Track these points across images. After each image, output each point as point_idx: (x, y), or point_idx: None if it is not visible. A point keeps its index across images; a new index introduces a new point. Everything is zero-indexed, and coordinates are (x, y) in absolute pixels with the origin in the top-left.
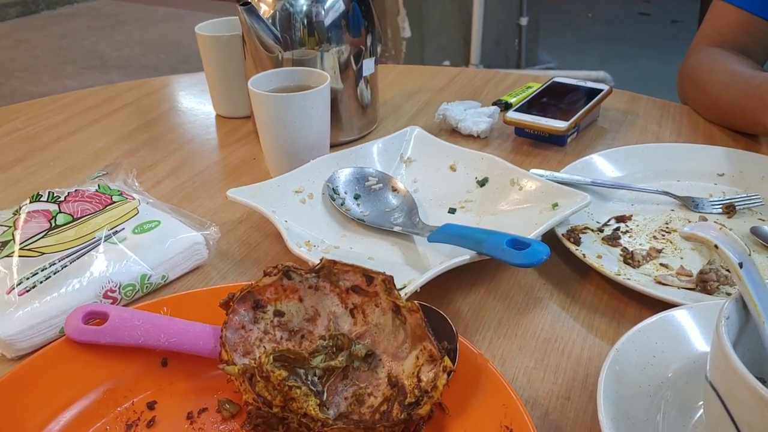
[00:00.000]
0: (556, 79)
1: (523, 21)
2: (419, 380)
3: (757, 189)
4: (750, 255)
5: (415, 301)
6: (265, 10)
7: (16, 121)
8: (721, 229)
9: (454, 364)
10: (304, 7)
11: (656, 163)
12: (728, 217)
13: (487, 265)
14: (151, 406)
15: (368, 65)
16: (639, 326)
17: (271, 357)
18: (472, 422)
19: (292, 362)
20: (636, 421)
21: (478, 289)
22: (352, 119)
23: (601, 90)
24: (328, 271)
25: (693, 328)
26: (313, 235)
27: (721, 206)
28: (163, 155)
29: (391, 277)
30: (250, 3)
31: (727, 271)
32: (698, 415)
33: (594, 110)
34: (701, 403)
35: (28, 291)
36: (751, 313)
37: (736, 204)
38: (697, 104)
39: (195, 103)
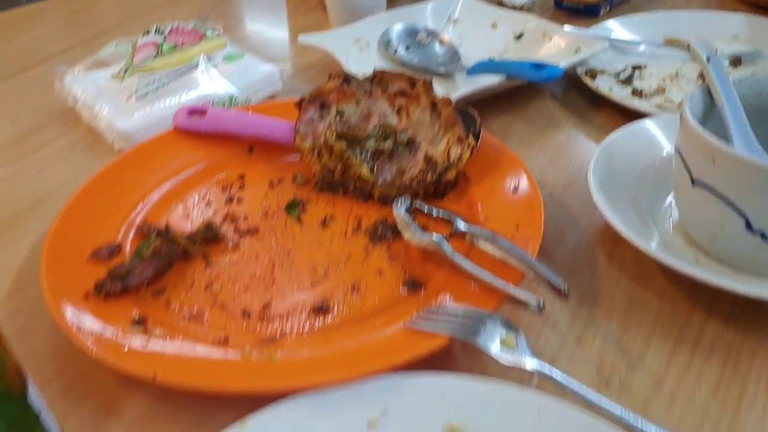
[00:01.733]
0: None
1: None
2: (449, 156)
3: (766, 46)
4: (716, 53)
5: (447, 96)
6: None
7: None
8: (693, 34)
9: (476, 143)
10: None
11: (672, 27)
12: (734, 68)
13: (516, 97)
14: (240, 177)
15: None
16: (624, 128)
17: (334, 134)
18: (487, 185)
19: (350, 141)
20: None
21: (506, 115)
22: None
23: None
24: (380, 79)
25: (665, 132)
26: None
27: (728, 57)
28: (240, 22)
29: (431, 81)
30: None
31: None
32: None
33: None
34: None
35: (143, 97)
36: (714, 99)
37: (742, 57)
38: None
39: None
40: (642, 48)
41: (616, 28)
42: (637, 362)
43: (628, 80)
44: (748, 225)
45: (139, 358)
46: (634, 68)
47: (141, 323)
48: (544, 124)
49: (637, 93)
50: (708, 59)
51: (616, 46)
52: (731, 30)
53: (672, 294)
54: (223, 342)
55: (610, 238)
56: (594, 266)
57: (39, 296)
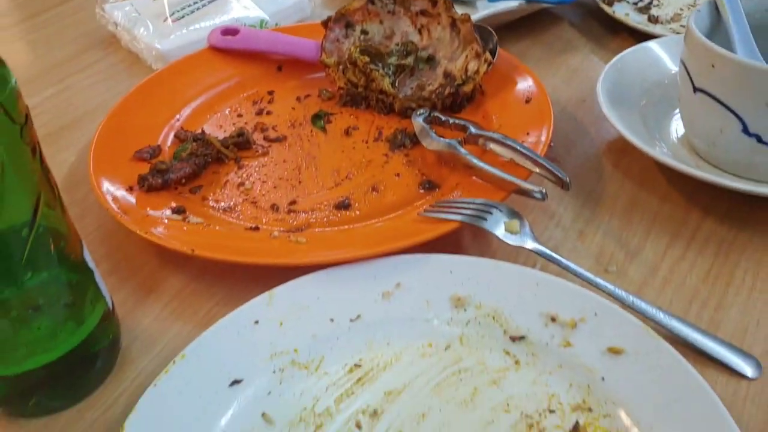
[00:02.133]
0: None
1: None
2: (466, 70)
3: None
4: None
5: (466, 13)
6: None
7: None
8: None
9: (493, 58)
10: None
11: None
12: None
13: (535, 24)
14: (270, 92)
15: None
16: (634, 48)
17: (358, 48)
18: (502, 98)
19: (373, 56)
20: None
21: (526, 40)
22: None
23: None
24: None
25: (673, 52)
26: None
27: None
28: None
29: (451, 0)
30: None
31: None
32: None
33: None
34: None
35: (179, 20)
36: (720, 13)
37: None
38: None
39: None
40: None
41: None
42: (634, 253)
43: (645, 8)
44: (745, 128)
45: (179, 236)
46: None
47: (180, 213)
48: (561, 48)
49: (653, 19)
50: None
51: None
52: None
53: (672, 196)
54: (254, 229)
55: (617, 148)
56: (600, 172)
57: (87, 193)
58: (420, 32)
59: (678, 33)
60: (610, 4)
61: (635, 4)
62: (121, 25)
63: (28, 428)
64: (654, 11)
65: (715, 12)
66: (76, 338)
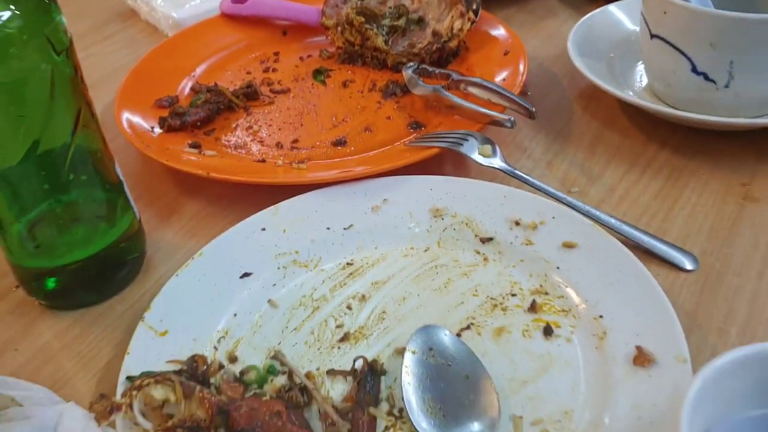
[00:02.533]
0: None
1: None
2: (452, 29)
3: None
4: None
5: None
6: None
7: None
8: None
9: (476, 18)
10: None
11: None
12: None
13: None
14: (275, 53)
15: None
16: (605, 6)
17: (355, 10)
18: (483, 53)
19: (368, 17)
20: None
21: (511, 8)
22: None
23: None
24: None
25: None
26: None
27: None
28: None
29: None
30: None
31: None
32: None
33: None
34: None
35: None
36: None
37: None
38: None
39: None
40: None
41: None
42: (595, 178)
43: None
44: (694, 68)
45: (196, 163)
46: None
47: (196, 147)
48: (543, 14)
49: None
50: None
51: None
52: None
53: (633, 133)
54: (261, 161)
55: (587, 95)
56: (570, 115)
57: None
58: None
59: None
60: None
61: None
62: None
63: (69, 318)
64: None
65: None
66: (109, 238)
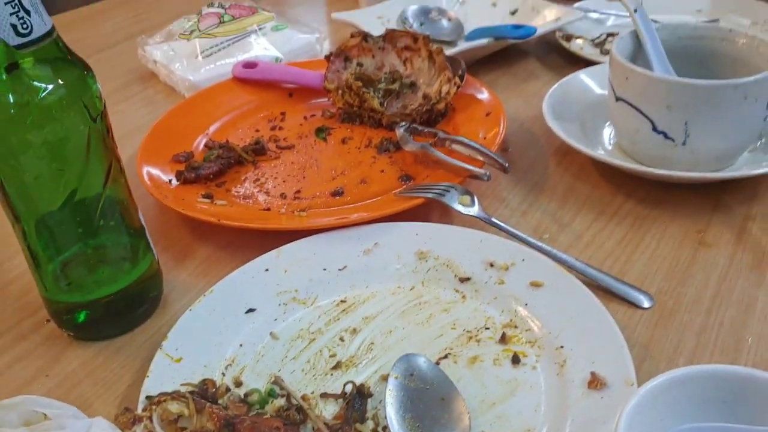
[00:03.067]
0: None
1: None
2: (440, 92)
3: (724, 17)
4: (641, 4)
5: (440, 46)
6: None
7: None
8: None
9: (461, 82)
10: None
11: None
12: None
13: (505, 58)
14: (282, 113)
15: None
16: (579, 71)
17: (354, 75)
18: (468, 113)
19: (365, 82)
20: (568, 120)
21: (496, 71)
22: None
23: None
24: (390, 36)
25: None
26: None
27: None
28: (286, 3)
29: (428, 35)
30: None
31: None
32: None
33: None
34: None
35: (207, 57)
36: (641, 42)
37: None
38: None
39: None
40: (612, 18)
41: (598, 3)
42: (565, 226)
43: (601, 43)
44: (654, 127)
45: (208, 211)
46: (609, 35)
47: (209, 197)
48: (525, 77)
49: (605, 52)
50: (635, 10)
51: (595, 17)
52: (696, 4)
53: (602, 185)
54: (266, 210)
55: (562, 151)
56: (546, 169)
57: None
58: (404, 63)
59: None
60: (568, 40)
61: (592, 40)
62: (160, 62)
63: (94, 348)
64: (608, 45)
65: (636, 39)
66: (131, 278)
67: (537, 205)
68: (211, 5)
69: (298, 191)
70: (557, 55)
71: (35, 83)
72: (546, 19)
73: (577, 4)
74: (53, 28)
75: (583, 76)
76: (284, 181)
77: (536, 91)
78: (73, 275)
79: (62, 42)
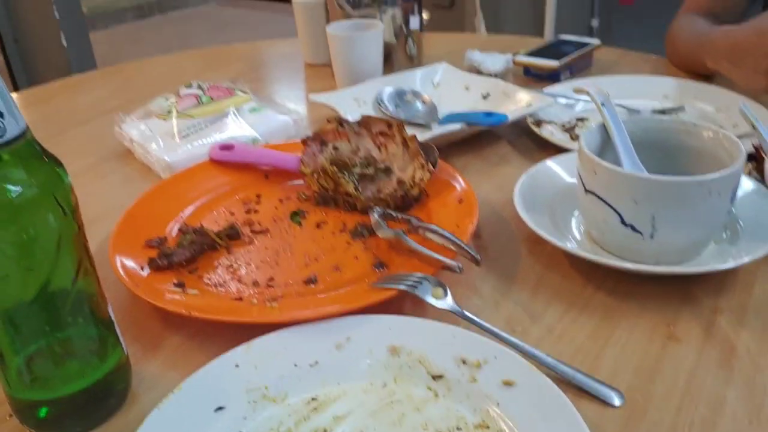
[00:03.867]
0: (561, 36)
1: (595, 23)
2: (414, 178)
3: (689, 103)
4: (608, 97)
5: (413, 134)
6: None
7: (160, 67)
8: (594, 85)
9: (434, 168)
10: None
11: (615, 89)
12: None
13: (477, 142)
14: (257, 195)
15: (414, 22)
16: (548, 160)
17: (329, 160)
18: (440, 199)
19: (341, 167)
20: (540, 208)
21: (468, 155)
22: (401, 64)
23: (592, 44)
24: (366, 122)
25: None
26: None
27: (655, 113)
28: (265, 85)
29: (402, 122)
30: None
31: None
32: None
33: (586, 58)
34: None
35: (185, 137)
36: (609, 134)
37: (666, 111)
38: (669, 56)
39: (290, 56)
40: (581, 104)
41: (567, 89)
42: (537, 318)
43: (571, 128)
44: (622, 220)
45: (179, 302)
46: (579, 120)
47: (180, 286)
48: (497, 161)
49: (575, 138)
50: (603, 104)
51: (563, 103)
52: (663, 90)
53: (572, 276)
54: (238, 299)
55: (532, 239)
56: (517, 257)
57: (106, 274)
58: (379, 148)
59: None
60: (539, 126)
61: (562, 125)
62: (136, 141)
63: None
64: (577, 131)
65: (604, 131)
66: (99, 373)
67: (509, 295)
68: (189, 86)
69: (271, 278)
70: (528, 139)
71: (8, 185)
72: (517, 104)
73: (546, 89)
74: (26, 129)
75: (552, 164)
76: (257, 268)
77: (507, 176)
78: (38, 370)
79: (35, 141)
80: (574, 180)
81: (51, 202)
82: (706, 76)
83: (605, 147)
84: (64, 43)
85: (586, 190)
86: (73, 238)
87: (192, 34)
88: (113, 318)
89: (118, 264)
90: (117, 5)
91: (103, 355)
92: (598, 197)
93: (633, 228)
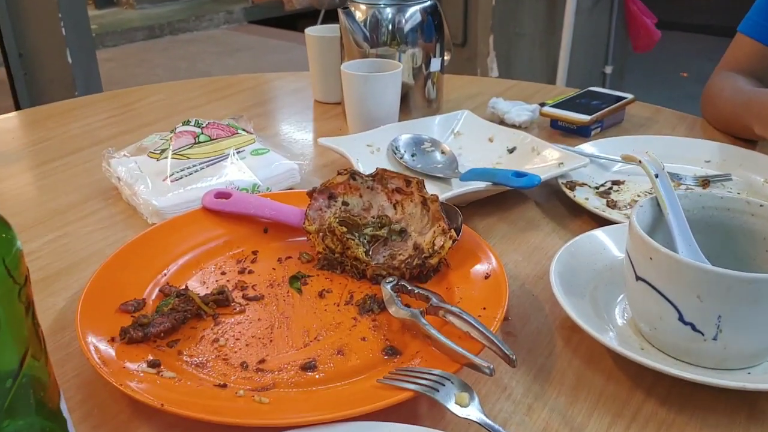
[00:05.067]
0: (591, 89)
1: (608, 69)
2: (434, 245)
3: (735, 172)
4: (663, 169)
5: (435, 194)
6: (359, 15)
7: (160, 94)
8: (647, 152)
9: (458, 236)
10: (390, 15)
11: (653, 149)
12: (703, 188)
13: (503, 202)
14: (254, 252)
15: (435, 63)
16: (587, 233)
17: (337, 219)
18: (464, 272)
19: (350, 227)
20: (578, 290)
21: (492, 217)
22: (419, 108)
23: (626, 97)
24: (381, 176)
25: (623, 239)
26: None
27: (698, 180)
28: (270, 122)
29: (423, 180)
30: (348, 8)
31: None
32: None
33: (618, 113)
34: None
35: (177, 180)
36: (662, 210)
37: (710, 179)
38: (708, 115)
39: (299, 92)
40: (624, 167)
41: (601, 147)
42: (578, 431)
43: (606, 193)
44: (681, 317)
45: (152, 390)
46: (614, 183)
47: (155, 366)
48: (525, 226)
49: (612, 204)
50: (656, 175)
51: (599, 162)
52: (705, 155)
53: (617, 376)
54: (222, 386)
55: (568, 326)
56: (551, 348)
57: (70, 340)
58: (395, 207)
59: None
60: (572, 189)
61: (597, 188)
62: (124, 180)
63: None
64: (613, 195)
65: (657, 207)
66: None
67: (544, 398)
68: (186, 123)
69: (262, 360)
70: (559, 201)
71: None
72: (547, 161)
73: (578, 147)
74: None
75: (599, 233)
76: (247, 345)
77: (537, 245)
78: None
79: None
80: (619, 256)
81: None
82: (748, 140)
83: (657, 224)
84: (69, 60)
85: (638, 277)
86: (21, 319)
87: (201, 57)
88: (66, 415)
89: (85, 335)
90: (128, 24)
91: None
92: (653, 287)
93: (693, 327)
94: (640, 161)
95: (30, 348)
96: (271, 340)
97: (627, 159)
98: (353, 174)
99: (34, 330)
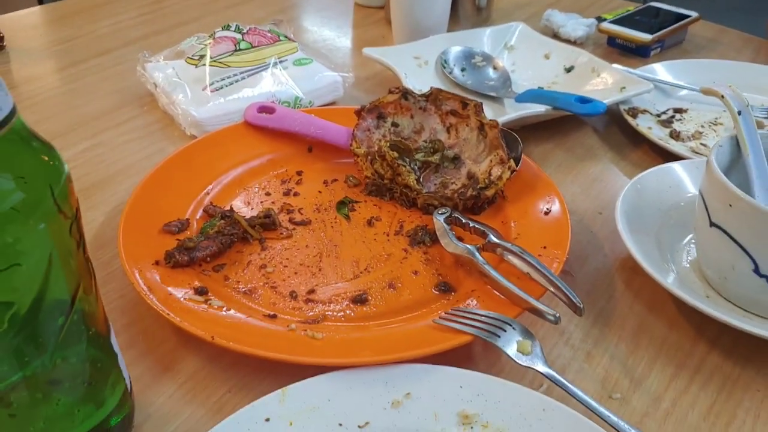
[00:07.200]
0: (652, 3)
1: None
2: (490, 175)
3: None
4: (748, 106)
5: (495, 120)
6: None
7: None
8: (729, 86)
9: (517, 166)
10: None
11: (717, 75)
12: None
13: (559, 127)
14: (298, 173)
15: None
16: (655, 168)
17: (388, 143)
18: (522, 206)
19: (401, 151)
20: (643, 229)
21: (548, 143)
22: (469, 17)
23: (689, 16)
24: (435, 97)
25: (693, 175)
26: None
27: (766, 110)
28: (307, 27)
29: (481, 104)
30: None
31: None
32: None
33: (679, 32)
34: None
35: (217, 90)
36: (741, 151)
37: None
38: None
39: None
40: (684, 92)
41: (662, 70)
42: (639, 381)
43: (668, 122)
44: (756, 269)
45: (200, 321)
46: (676, 111)
47: (202, 293)
48: (583, 154)
49: (675, 135)
50: (739, 112)
51: (660, 87)
52: None
53: (680, 325)
54: (272, 318)
55: (630, 267)
56: (611, 291)
57: (111, 258)
58: (448, 131)
59: (697, 152)
60: (634, 116)
61: (658, 116)
62: (161, 87)
63: None
64: (676, 125)
65: (736, 147)
66: (93, 420)
67: (604, 344)
68: (227, 27)
69: (312, 290)
70: (618, 128)
71: None
72: (607, 84)
73: (640, 69)
74: (14, 109)
75: (677, 166)
76: (296, 273)
77: (597, 176)
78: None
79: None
80: (688, 195)
81: (47, 205)
82: None
83: (734, 164)
84: None
85: (712, 223)
86: (72, 254)
87: None
88: (116, 349)
89: (128, 258)
90: None
91: (98, 396)
92: (729, 236)
93: None
94: (722, 96)
95: (82, 282)
96: (320, 269)
97: (707, 92)
98: (405, 93)
99: (86, 265)
